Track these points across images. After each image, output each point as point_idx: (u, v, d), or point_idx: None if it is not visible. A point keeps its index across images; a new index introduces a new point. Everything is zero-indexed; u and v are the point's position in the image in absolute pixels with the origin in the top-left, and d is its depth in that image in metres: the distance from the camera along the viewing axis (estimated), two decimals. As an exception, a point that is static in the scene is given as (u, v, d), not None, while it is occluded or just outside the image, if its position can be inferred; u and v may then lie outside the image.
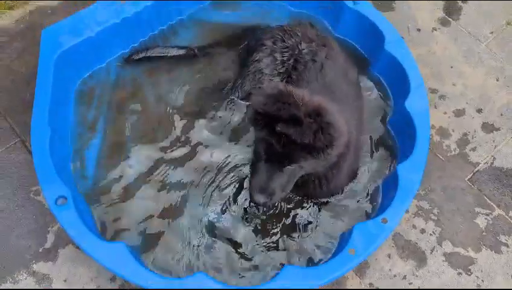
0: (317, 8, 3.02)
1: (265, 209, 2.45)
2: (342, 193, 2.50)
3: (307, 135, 1.85)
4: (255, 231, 2.44)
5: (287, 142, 1.87)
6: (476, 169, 2.79)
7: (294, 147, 1.89)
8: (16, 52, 2.95)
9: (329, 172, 2.21)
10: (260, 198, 2.03)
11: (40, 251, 2.40)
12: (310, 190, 2.34)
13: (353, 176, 2.53)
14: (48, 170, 2.20)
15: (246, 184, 2.53)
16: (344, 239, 2.27)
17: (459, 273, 2.48)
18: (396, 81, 2.72)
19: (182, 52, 2.87)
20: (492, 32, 3.30)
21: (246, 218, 2.45)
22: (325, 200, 2.50)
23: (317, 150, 1.91)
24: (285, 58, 2.63)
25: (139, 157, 2.60)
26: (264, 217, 2.47)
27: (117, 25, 2.73)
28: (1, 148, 2.64)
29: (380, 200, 2.49)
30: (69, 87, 2.69)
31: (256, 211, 2.46)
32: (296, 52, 2.61)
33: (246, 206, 2.47)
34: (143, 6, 2.77)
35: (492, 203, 2.69)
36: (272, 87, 1.96)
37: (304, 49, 2.60)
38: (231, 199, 2.51)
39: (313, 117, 1.86)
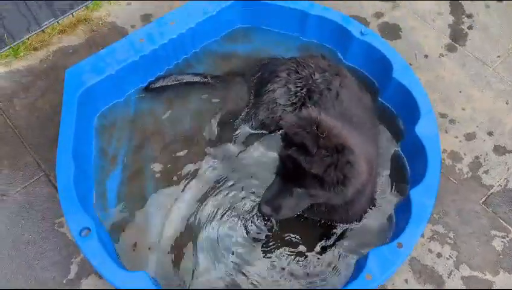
0: (327, 38, 3.12)
1: (269, 223, 2.52)
2: (360, 220, 2.54)
3: (317, 166, 1.90)
4: (270, 256, 2.49)
5: (299, 167, 1.93)
6: (490, 192, 2.81)
7: (305, 173, 1.94)
8: (40, 90, 3.09)
9: (350, 202, 2.23)
10: (265, 209, 2.09)
11: (64, 282, 2.47)
12: (328, 216, 2.39)
13: (371, 203, 2.56)
14: (72, 203, 2.30)
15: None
16: (360, 264, 2.30)
17: (478, 297, 2.49)
18: (405, 107, 2.79)
19: (196, 78, 3.00)
20: (499, 56, 3.36)
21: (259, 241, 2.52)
22: (342, 225, 2.53)
23: (327, 184, 1.96)
24: (298, 89, 2.72)
25: (159, 188, 2.68)
26: (279, 243, 2.52)
27: (135, 62, 2.86)
28: (27, 182, 2.75)
29: (394, 225, 2.52)
30: (90, 122, 2.81)
31: (262, 226, 2.53)
32: (310, 82, 2.69)
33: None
34: (160, 44, 2.90)
35: (508, 226, 2.70)
36: (306, 111, 2.04)
37: (317, 79, 2.68)
38: (246, 225, 2.58)
39: (330, 152, 1.91)
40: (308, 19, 3.07)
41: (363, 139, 2.21)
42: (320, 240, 2.51)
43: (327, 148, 1.91)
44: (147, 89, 3.00)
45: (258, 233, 2.54)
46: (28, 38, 3.25)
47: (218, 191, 2.68)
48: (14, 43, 3.19)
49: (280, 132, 2.14)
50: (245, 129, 2.84)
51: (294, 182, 2.03)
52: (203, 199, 2.66)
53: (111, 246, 2.40)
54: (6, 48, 3.17)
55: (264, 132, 2.84)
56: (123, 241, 2.50)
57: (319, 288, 2.28)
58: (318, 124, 1.94)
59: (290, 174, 2.01)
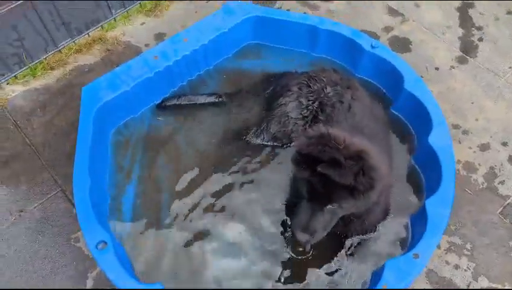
0: (337, 53, 3.16)
1: (308, 248, 2.49)
2: (375, 231, 2.52)
3: (347, 177, 1.90)
4: (290, 269, 2.48)
5: (328, 183, 1.93)
6: (507, 202, 2.78)
7: (335, 188, 1.94)
8: (56, 108, 3.16)
9: (366, 211, 2.23)
10: (303, 237, 2.07)
11: (81, 295, 2.49)
12: (345, 227, 2.37)
13: (386, 213, 2.55)
14: (88, 216, 2.32)
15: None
16: (376, 275, 2.28)
17: (498, 309, 2.44)
18: (418, 118, 2.79)
19: (210, 99, 3.04)
20: (511, 67, 3.37)
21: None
22: (358, 237, 2.52)
23: (358, 191, 1.96)
24: (310, 103, 2.74)
25: (173, 202, 2.70)
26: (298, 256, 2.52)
27: (150, 78, 2.92)
28: (44, 198, 2.79)
29: (409, 236, 2.51)
30: (106, 138, 2.86)
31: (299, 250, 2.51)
32: (322, 96, 2.71)
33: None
34: (173, 60, 2.96)
35: (526, 236, 2.66)
36: (314, 130, 2.05)
37: (329, 93, 2.70)
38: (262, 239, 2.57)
39: (355, 160, 1.92)
40: (318, 34, 3.12)
41: (377, 150, 2.21)
42: (336, 252, 2.49)
43: (350, 157, 1.92)
44: (161, 106, 3.05)
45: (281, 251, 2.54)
46: (46, 58, 3.34)
47: (233, 204, 2.70)
48: (32, 63, 3.28)
49: (290, 159, 2.15)
50: (257, 142, 2.87)
51: (323, 201, 2.02)
52: (218, 212, 2.67)
53: (126, 259, 2.41)
54: (24, 68, 3.27)
55: (276, 144, 2.86)
56: (138, 254, 2.52)
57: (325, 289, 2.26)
58: (333, 137, 1.96)
59: (317, 193, 2.00)
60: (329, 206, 2.04)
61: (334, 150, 1.92)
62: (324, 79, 2.77)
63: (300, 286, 2.43)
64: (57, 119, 3.11)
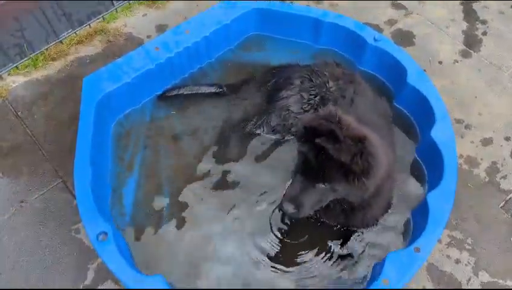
0: (340, 45, 3.15)
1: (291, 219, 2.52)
2: (376, 224, 2.52)
3: (344, 154, 1.90)
4: (289, 260, 2.48)
5: (323, 160, 1.93)
6: (509, 197, 2.77)
7: (330, 165, 1.94)
8: (58, 99, 3.15)
9: (367, 203, 2.24)
10: (288, 207, 2.09)
11: (81, 287, 2.48)
12: (346, 220, 2.37)
13: (388, 207, 2.55)
14: (89, 208, 2.32)
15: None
16: (377, 269, 2.28)
17: (499, 304, 2.44)
18: (421, 112, 2.78)
19: (212, 89, 3.03)
20: (514, 62, 3.35)
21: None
22: (360, 230, 2.51)
23: (353, 174, 1.96)
24: (312, 97, 2.73)
25: (174, 194, 2.70)
26: (296, 241, 2.53)
27: (151, 70, 2.90)
28: (45, 189, 2.79)
29: (411, 229, 2.50)
30: (107, 129, 2.85)
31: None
32: (324, 90, 2.70)
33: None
34: (175, 52, 2.95)
35: (527, 232, 2.65)
36: (324, 109, 2.07)
37: (331, 87, 2.69)
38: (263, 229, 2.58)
39: (355, 141, 1.92)
40: (321, 26, 3.10)
41: (381, 141, 2.20)
42: (337, 245, 2.49)
43: (351, 138, 1.92)
44: (162, 96, 3.04)
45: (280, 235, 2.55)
46: (47, 49, 3.33)
47: (234, 194, 2.70)
48: (34, 54, 3.27)
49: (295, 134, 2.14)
50: (257, 133, 2.87)
51: (316, 178, 2.03)
52: (219, 203, 2.67)
53: (127, 251, 2.41)
54: (26, 59, 3.25)
55: (275, 137, 2.85)
56: (139, 245, 2.51)
57: (326, 289, 2.26)
58: (340, 118, 1.96)
59: (311, 169, 2.01)
60: (321, 185, 2.04)
61: (335, 125, 1.92)
62: (326, 73, 2.76)
63: (300, 278, 2.44)
64: (58, 110, 3.10)
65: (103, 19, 3.53)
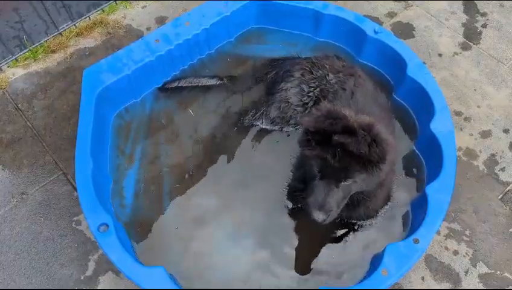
0: (340, 37, 3.14)
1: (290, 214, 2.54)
2: (377, 216, 2.53)
3: (363, 145, 1.89)
4: (290, 253, 2.50)
5: (342, 156, 1.92)
6: (507, 189, 2.78)
7: (350, 161, 1.93)
8: (57, 91, 3.15)
9: (372, 194, 2.25)
10: (320, 215, 2.05)
11: (82, 278, 2.50)
12: (349, 212, 2.38)
13: (388, 199, 2.56)
14: (90, 199, 2.33)
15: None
16: (376, 260, 2.29)
17: (496, 295, 2.46)
18: (420, 105, 2.78)
19: (212, 81, 3.03)
20: (514, 54, 3.35)
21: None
22: (360, 222, 2.53)
23: (372, 163, 1.96)
24: (311, 89, 2.73)
25: (174, 185, 2.71)
26: (297, 235, 2.55)
27: (151, 62, 2.90)
28: (45, 181, 2.80)
29: (410, 221, 2.52)
30: (107, 121, 2.85)
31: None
32: (324, 83, 2.70)
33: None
34: (175, 44, 2.94)
35: (526, 223, 2.67)
36: (320, 108, 2.05)
37: (331, 80, 2.69)
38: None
39: (366, 130, 1.92)
40: (322, 18, 3.09)
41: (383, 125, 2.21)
42: (338, 237, 2.51)
43: (363, 128, 1.92)
44: (162, 88, 3.05)
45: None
46: (46, 41, 3.32)
47: (234, 185, 2.71)
48: (33, 46, 3.26)
49: (297, 141, 2.14)
50: (256, 125, 2.88)
51: (338, 177, 2.01)
52: (219, 195, 2.68)
53: (128, 242, 2.43)
54: (25, 51, 3.25)
55: (274, 128, 2.86)
56: (140, 237, 2.53)
57: (328, 288, 2.27)
58: (342, 112, 1.97)
59: (332, 170, 1.98)
60: (344, 183, 2.03)
61: (345, 120, 1.92)
62: (327, 66, 2.76)
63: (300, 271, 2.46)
64: (58, 103, 3.10)
65: (102, 11, 3.52)
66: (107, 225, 2.24)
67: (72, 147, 2.57)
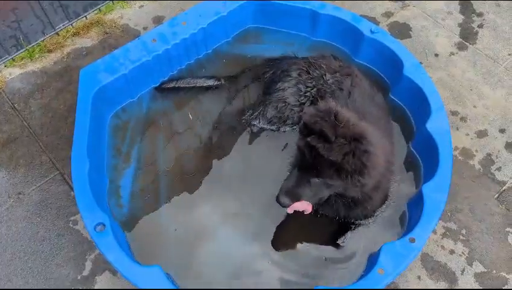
0: (337, 37, 3.15)
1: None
2: (373, 215, 2.54)
3: (334, 153, 1.93)
4: (287, 252, 2.51)
5: (317, 155, 1.97)
6: (503, 189, 2.79)
7: (322, 162, 1.97)
8: (54, 91, 3.15)
9: (368, 196, 2.27)
10: (284, 199, 2.14)
11: (79, 278, 2.50)
12: (346, 212, 2.40)
13: (385, 199, 2.57)
14: (87, 199, 2.33)
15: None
16: (372, 259, 2.30)
17: (492, 294, 2.47)
18: (416, 104, 2.79)
19: (209, 82, 3.03)
20: (510, 54, 3.36)
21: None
22: (357, 222, 2.53)
23: (345, 172, 1.99)
24: (308, 89, 2.74)
25: (172, 185, 2.72)
26: (294, 234, 2.56)
27: (148, 62, 2.90)
28: (42, 180, 2.79)
29: (406, 220, 2.52)
30: (104, 121, 2.85)
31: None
32: (321, 83, 2.71)
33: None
34: (172, 44, 2.94)
35: (521, 223, 2.69)
36: (323, 104, 2.09)
37: (329, 80, 2.70)
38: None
39: (348, 140, 1.95)
40: (318, 18, 3.09)
41: (380, 134, 2.22)
42: (335, 237, 2.51)
43: (345, 137, 1.94)
44: (159, 88, 3.04)
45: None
46: (43, 41, 3.32)
47: (231, 185, 2.71)
48: (30, 46, 3.26)
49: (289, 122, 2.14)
50: (253, 125, 2.88)
51: (311, 172, 2.06)
52: (217, 195, 2.68)
53: (125, 242, 2.43)
54: (22, 50, 3.25)
55: (271, 128, 2.86)
56: (137, 237, 2.53)
57: (325, 288, 2.27)
58: (336, 114, 1.99)
59: (307, 164, 2.04)
60: (315, 180, 2.08)
61: (328, 124, 1.95)
62: (324, 66, 2.76)
63: (294, 270, 2.46)
64: (55, 102, 3.10)
65: (99, 10, 3.51)
66: (104, 225, 2.24)
67: (69, 146, 2.57)
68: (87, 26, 3.45)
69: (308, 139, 1.95)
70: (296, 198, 2.12)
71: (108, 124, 2.87)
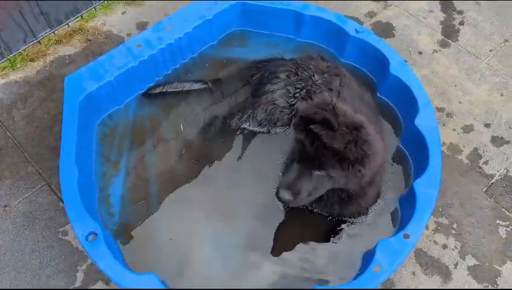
0: (322, 38, 3.16)
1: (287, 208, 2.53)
2: (367, 213, 2.55)
3: (337, 141, 1.93)
4: (281, 254, 2.49)
5: (319, 146, 1.96)
6: (491, 182, 2.83)
7: (325, 153, 1.96)
8: (38, 100, 3.09)
9: (363, 192, 2.27)
10: (285, 194, 2.09)
11: (71, 289, 2.44)
12: (340, 210, 2.40)
13: (378, 196, 2.58)
14: (77, 208, 2.28)
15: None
16: (368, 257, 2.30)
17: (486, 286, 2.49)
18: (403, 102, 2.82)
19: (196, 86, 3.01)
20: (491, 50, 3.42)
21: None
22: (351, 220, 2.54)
23: (347, 161, 1.98)
24: (297, 91, 2.74)
25: (162, 191, 2.68)
26: (287, 234, 2.54)
27: (134, 68, 2.87)
28: (29, 192, 2.73)
29: (399, 217, 2.54)
30: (91, 129, 2.80)
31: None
32: (310, 84, 2.71)
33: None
34: (157, 49, 2.92)
35: (510, 215, 2.72)
36: (319, 97, 2.09)
37: (317, 80, 2.70)
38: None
39: (350, 129, 1.95)
40: (303, 19, 3.11)
41: (375, 129, 2.23)
42: (329, 236, 2.51)
43: (347, 126, 1.94)
44: (146, 94, 3.01)
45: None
46: (25, 50, 3.26)
47: (222, 190, 2.69)
48: (11, 55, 3.20)
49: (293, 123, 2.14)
50: (243, 128, 2.87)
51: (312, 165, 2.04)
52: (208, 199, 2.66)
53: (117, 251, 2.38)
54: (3, 60, 3.18)
55: (262, 131, 2.85)
56: (129, 245, 2.49)
57: (322, 288, 2.28)
58: (335, 104, 1.99)
59: (308, 156, 2.02)
60: (317, 172, 2.06)
61: (330, 113, 1.95)
62: (312, 67, 2.77)
63: (289, 272, 2.45)
64: (39, 112, 3.04)
65: (81, 17, 3.47)
66: (96, 234, 2.20)
67: (55, 156, 2.53)
68: (70, 34, 3.41)
69: (312, 126, 1.93)
70: (297, 192, 2.08)
71: (96, 131, 2.82)
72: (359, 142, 1.96)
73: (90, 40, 3.40)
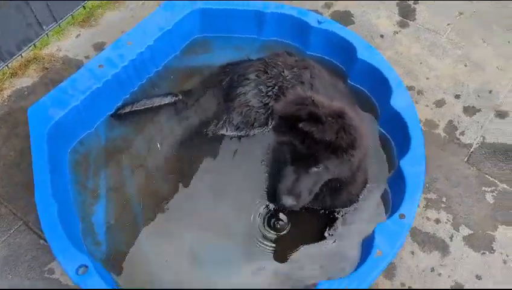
0: (286, 33, 3.15)
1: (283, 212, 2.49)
2: (357, 200, 2.53)
3: (328, 133, 1.90)
4: (277, 254, 2.45)
5: (311, 143, 1.92)
6: (470, 151, 2.88)
7: (318, 147, 1.93)
8: (1, 138, 2.92)
9: (352, 179, 2.25)
10: (288, 200, 2.04)
11: (66, 328, 2.32)
12: (332, 201, 2.37)
13: (366, 181, 2.57)
14: (62, 243, 2.16)
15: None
16: (367, 243, 2.28)
17: (483, 253, 2.52)
18: (375, 84, 2.83)
19: (166, 100, 2.92)
20: (449, 24, 3.50)
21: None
22: (343, 210, 2.52)
23: (341, 149, 1.96)
24: (269, 89, 2.71)
25: (147, 213, 2.59)
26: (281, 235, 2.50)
27: (99, 89, 2.76)
28: (6, 234, 2.57)
29: (390, 199, 2.53)
30: (62, 158, 2.67)
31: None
32: (281, 80, 2.69)
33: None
34: (121, 66, 2.82)
35: (494, 180, 2.78)
36: (292, 93, 2.05)
37: (288, 76, 2.68)
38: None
39: (335, 118, 1.92)
40: (264, 18, 3.09)
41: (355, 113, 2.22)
42: (324, 229, 2.48)
43: (331, 116, 1.92)
44: (115, 115, 2.91)
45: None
46: (-21, 87, 3.09)
47: (208, 201, 2.63)
48: (-36, 95, 3.02)
49: (271, 128, 2.09)
50: (219, 134, 2.80)
51: (308, 163, 2.00)
52: (194, 213, 2.60)
53: (111, 280, 2.27)
54: (-44, 101, 3.00)
55: (240, 135, 2.80)
56: (122, 272, 2.38)
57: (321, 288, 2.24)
58: (312, 97, 1.96)
59: (301, 155, 1.98)
60: (314, 169, 2.02)
61: (313, 106, 1.92)
62: (280, 63, 2.75)
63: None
64: (4, 150, 2.88)
65: (35, 46, 3.32)
66: (86, 266, 2.08)
67: (27, 193, 2.40)
68: (25, 65, 3.25)
69: (300, 125, 1.89)
70: (298, 194, 2.04)
71: (68, 160, 2.69)
72: (347, 128, 1.94)
73: (47, 68, 3.26)
